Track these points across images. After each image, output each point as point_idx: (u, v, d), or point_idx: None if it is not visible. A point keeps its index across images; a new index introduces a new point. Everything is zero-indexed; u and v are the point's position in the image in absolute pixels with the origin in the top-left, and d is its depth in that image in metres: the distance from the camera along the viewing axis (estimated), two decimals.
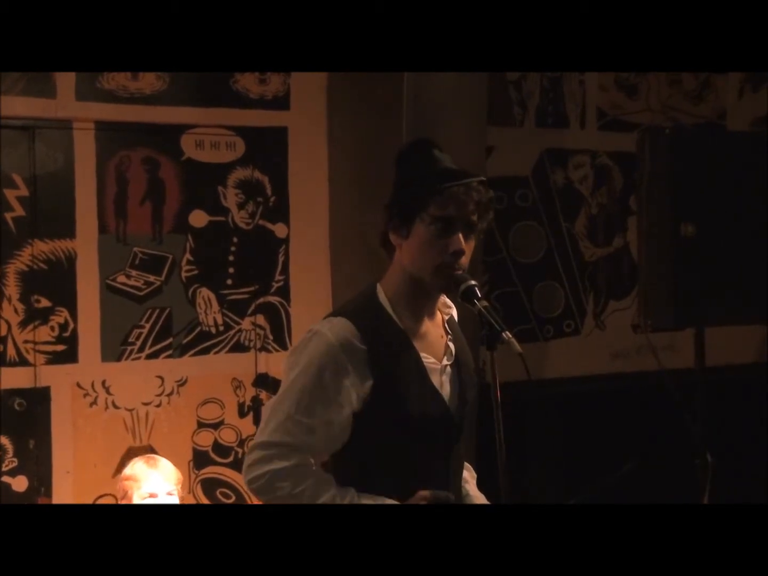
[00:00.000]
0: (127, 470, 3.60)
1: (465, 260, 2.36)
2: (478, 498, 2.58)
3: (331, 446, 2.37)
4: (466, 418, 2.47)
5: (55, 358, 4.12)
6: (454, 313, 2.57)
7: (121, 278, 4.26)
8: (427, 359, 2.41)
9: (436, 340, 2.46)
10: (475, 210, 2.35)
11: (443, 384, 2.42)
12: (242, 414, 4.42)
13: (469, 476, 2.62)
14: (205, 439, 4.40)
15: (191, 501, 4.29)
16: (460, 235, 2.33)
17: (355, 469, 2.39)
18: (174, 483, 3.54)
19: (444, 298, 2.52)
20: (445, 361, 2.45)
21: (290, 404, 2.32)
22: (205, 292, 4.40)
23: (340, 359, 2.31)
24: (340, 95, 4.49)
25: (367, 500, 2.30)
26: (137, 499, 3.46)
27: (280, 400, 2.35)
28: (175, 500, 3.51)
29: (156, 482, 3.50)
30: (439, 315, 2.51)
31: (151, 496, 3.46)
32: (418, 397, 2.35)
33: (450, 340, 2.49)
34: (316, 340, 2.34)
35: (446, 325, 2.50)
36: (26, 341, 4.08)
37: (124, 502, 3.51)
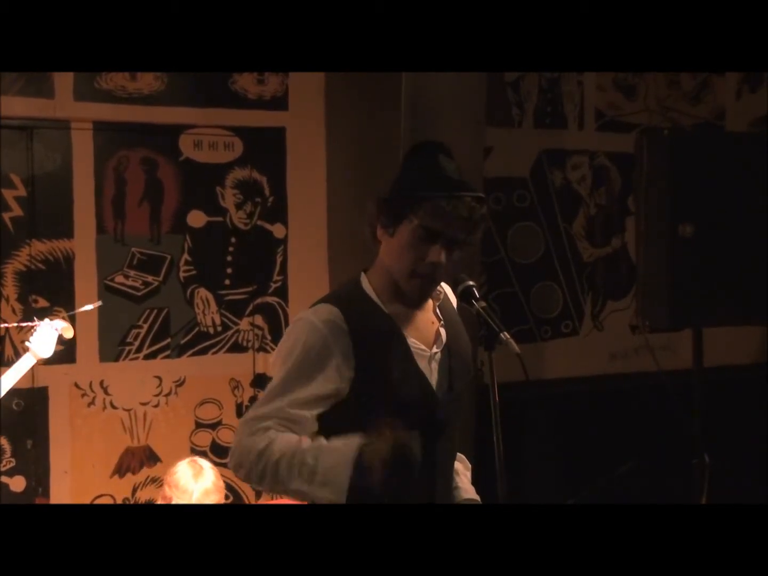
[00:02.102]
0: (181, 480, 3.37)
1: (444, 271, 2.34)
2: (468, 491, 2.55)
3: (313, 423, 2.31)
4: (455, 406, 2.45)
5: (53, 359, 4.12)
6: (450, 294, 2.53)
7: (119, 278, 4.26)
8: (416, 345, 2.39)
9: (426, 327, 2.44)
10: (462, 227, 2.31)
11: (432, 371, 2.40)
12: (240, 414, 4.40)
13: (462, 468, 2.60)
14: (203, 439, 4.40)
15: None
16: (441, 248, 2.31)
17: None
18: (218, 495, 3.44)
19: None
20: (435, 348, 2.42)
21: (276, 384, 2.30)
22: (203, 293, 4.40)
23: (325, 339, 2.28)
24: (339, 96, 4.49)
25: (336, 441, 2.23)
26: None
27: (268, 388, 2.33)
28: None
29: (202, 497, 3.38)
30: (429, 302, 2.49)
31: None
32: (404, 380, 2.33)
33: (442, 326, 2.47)
34: (299, 325, 2.34)
35: (437, 311, 2.48)
36: (24, 341, 4.08)
37: (162, 502, 3.42)
